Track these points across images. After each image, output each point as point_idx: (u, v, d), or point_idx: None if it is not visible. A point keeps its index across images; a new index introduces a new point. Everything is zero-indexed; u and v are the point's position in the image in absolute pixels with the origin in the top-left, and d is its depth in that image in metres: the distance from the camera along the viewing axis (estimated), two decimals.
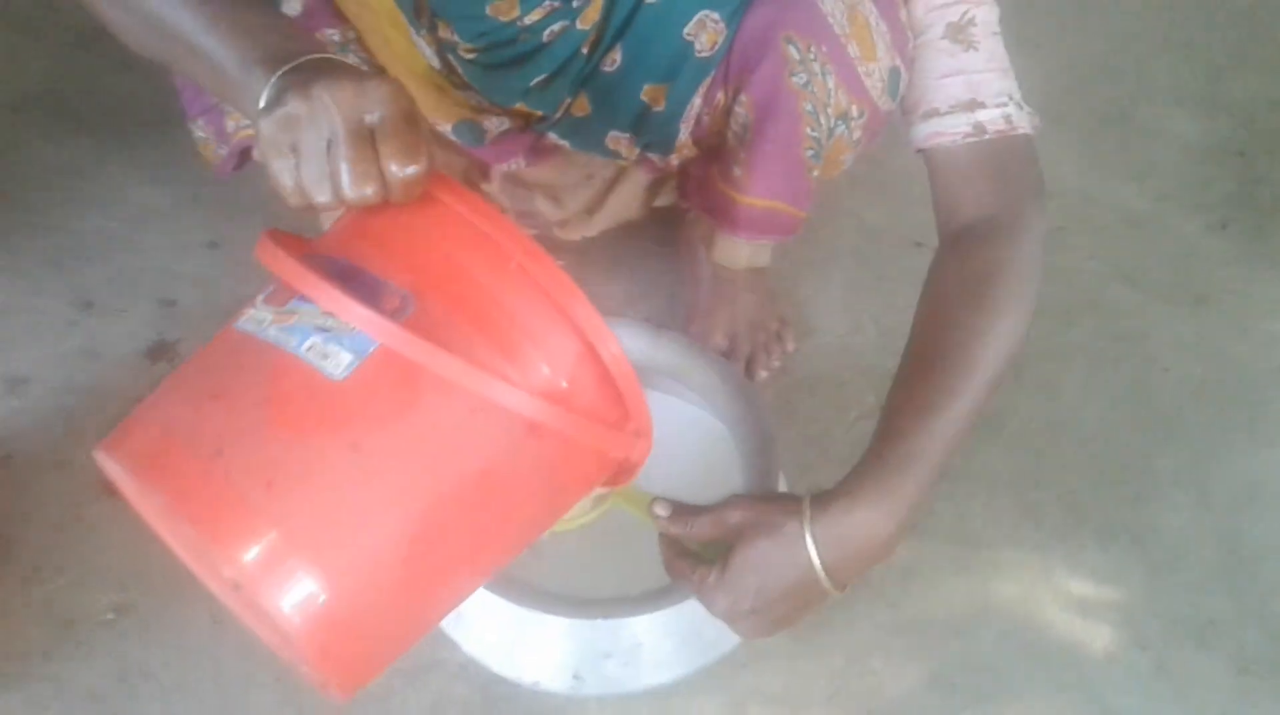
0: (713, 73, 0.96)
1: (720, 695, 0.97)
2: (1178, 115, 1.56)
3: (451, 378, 0.59)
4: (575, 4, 0.91)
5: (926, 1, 0.89)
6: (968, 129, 0.87)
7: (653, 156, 1.04)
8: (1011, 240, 0.84)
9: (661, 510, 0.85)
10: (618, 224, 1.15)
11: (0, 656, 0.97)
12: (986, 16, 0.89)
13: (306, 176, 0.60)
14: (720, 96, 0.97)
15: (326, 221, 0.96)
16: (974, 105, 0.87)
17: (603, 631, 0.89)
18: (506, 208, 1.12)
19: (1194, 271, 1.35)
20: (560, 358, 0.64)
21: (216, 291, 1.25)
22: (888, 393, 0.84)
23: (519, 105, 0.96)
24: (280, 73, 0.62)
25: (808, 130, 0.94)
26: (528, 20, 0.90)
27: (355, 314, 0.58)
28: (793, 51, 0.91)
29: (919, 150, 0.91)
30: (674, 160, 1.05)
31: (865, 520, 0.78)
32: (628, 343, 1.00)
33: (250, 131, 0.95)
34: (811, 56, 0.91)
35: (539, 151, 1.03)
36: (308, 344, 0.60)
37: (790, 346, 1.21)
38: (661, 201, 1.21)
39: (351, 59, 0.91)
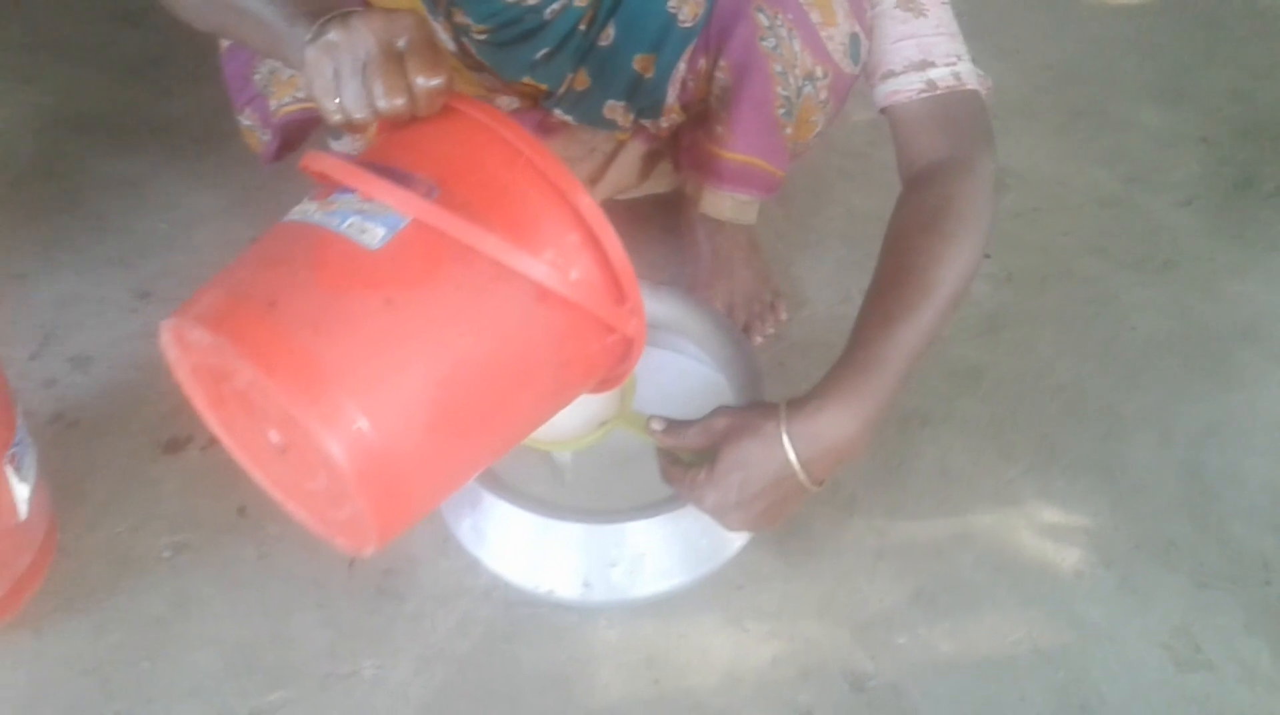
0: (695, 41, 1.08)
1: (718, 612, 1.06)
2: (1145, 108, 1.67)
3: (472, 245, 0.71)
4: None
5: None
6: (921, 85, 0.99)
7: (645, 122, 1.17)
8: (963, 177, 0.95)
9: (657, 425, 0.95)
10: (617, 193, 1.27)
11: (68, 589, 1.07)
12: None
13: (346, 94, 0.72)
14: (702, 62, 1.10)
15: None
16: (925, 65, 0.99)
17: (609, 541, 0.99)
18: None
19: (1161, 242, 1.45)
20: (564, 241, 0.75)
21: None
22: (857, 312, 0.94)
23: (526, 80, 1.09)
24: (321, 21, 0.75)
25: (778, 89, 1.06)
26: (531, 1, 1.03)
27: (389, 193, 0.70)
28: (762, 19, 1.03)
29: (881, 110, 1.03)
30: (664, 124, 1.17)
31: (835, 418, 0.88)
32: None
33: (291, 108, 1.07)
34: (779, 23, 1.03)
35: (546, 128, 1.15)
36: (347, 223, 0.72)
37: (783, 315, 1.32)
38: (661, 187, 1.33)
39: None
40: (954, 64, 0.99)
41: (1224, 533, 1.13)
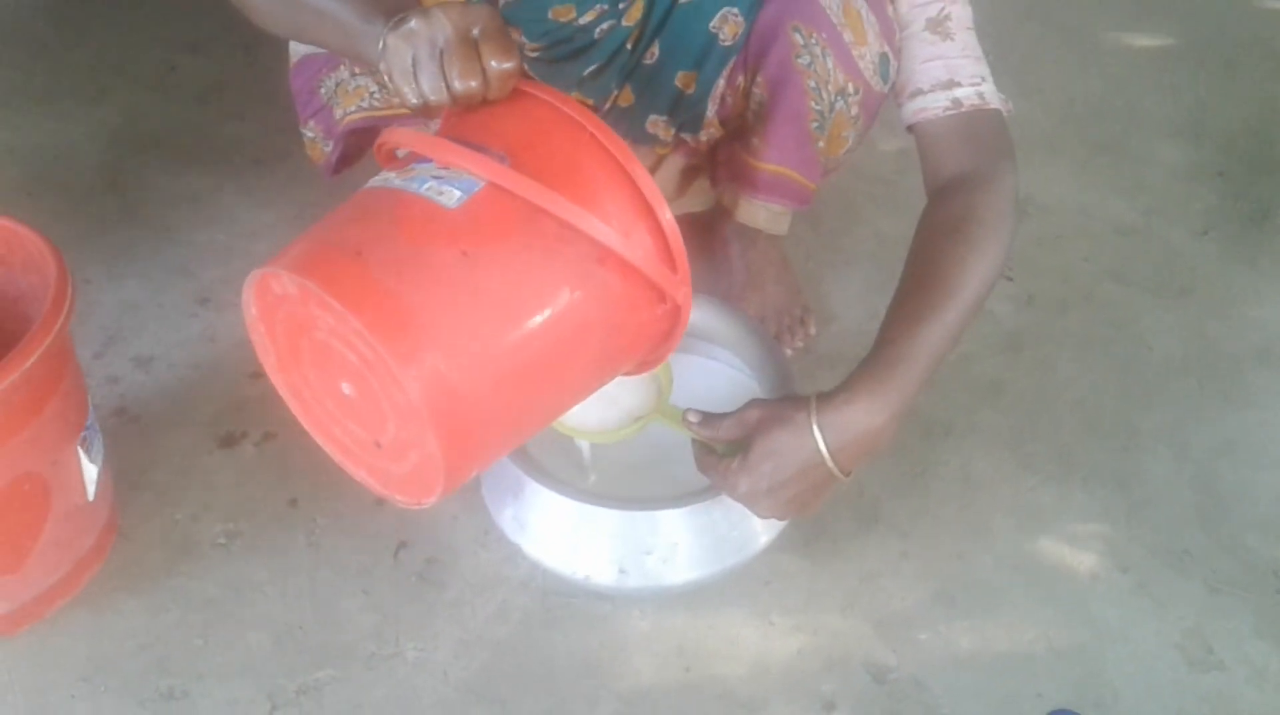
0: (734, 59, 1.15)
1: (746, 606, 1.11)
2: (1165, 144, 1.73)
3: (541, 206, 0.78)
4: (621, 6, 1.10)
5: (909, 0, 1.08)
6: (947, 103, 1.05)
7: (685, 136, 1.23)
8: (985, 189, 1.01)
9: (693, 417, 1.01)
10: None
11: (127, 571, 1.13)
12: (961, 13, 1.07)
13: (423, 78, 0.79)
14: (741, 79, 1.16)
15: None
16: (951, 84, 1.05)
17: (645, 529, 1.04)
18: None
19: (1178, 270, 1.50)
20: (623, 210, 0.82)
21: None
22: (885, 313, 1.00)
23: (574, 95, 1.16)
24: (402, 15, 0.82)
25: (812, 104, 1.13)
26: (582, 21, 1.09)
27: (465, 157, 0.77)
28: (798, 38, 1.10)
29: (908, 128, 1.09)
30: (703, 138, 1.23)
31: (862, 410, 0.93)
32: None
33: (355, 116, 1.14)
34: (813, 41, 1.10)
35: None
36: (425, 186, 0.79)
37: (812, 330, 1.37)
38: (697, 206, 1.39)
39: None
40: (978, 84, 1.05)
41: (1236, 542, 1.17)
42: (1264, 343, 1.40)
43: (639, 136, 1.23)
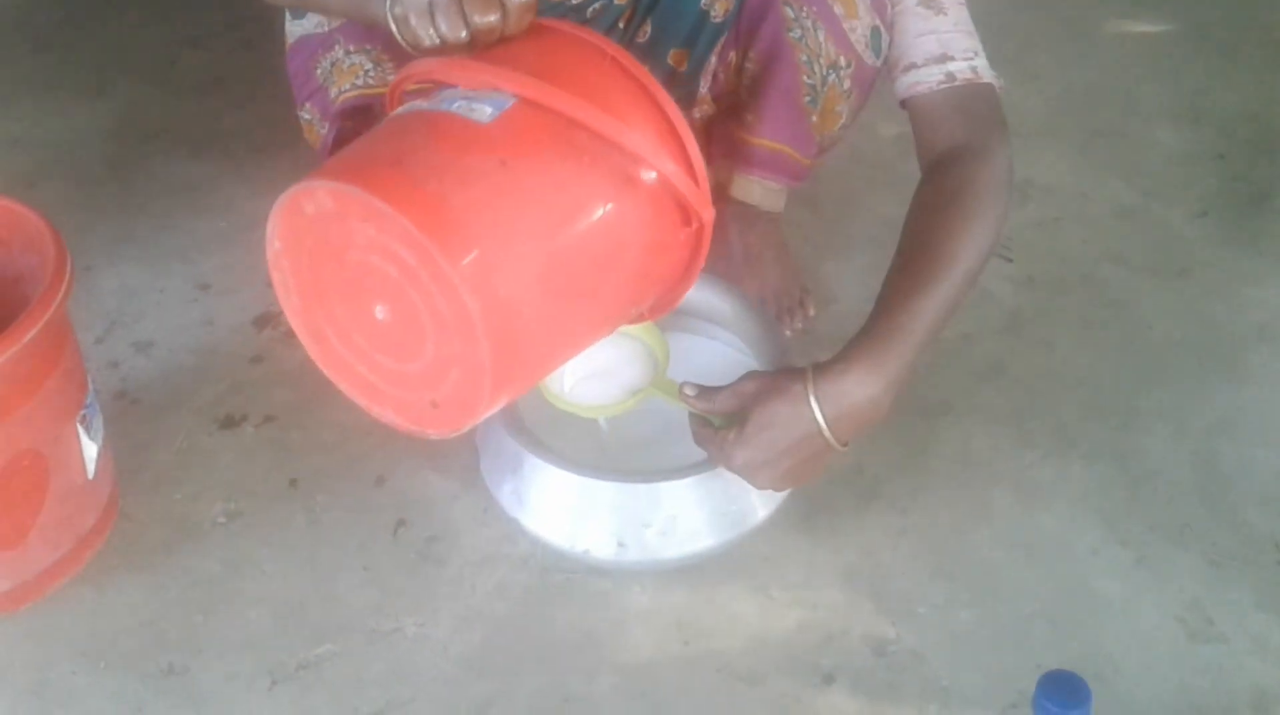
0: (725, 35, 1.16)
1: (746, 580, 1.10)
2: (1163, 128, 1.73)
3: (575, 117, 0.80)
4: None
5: None
6: (941, 77, 1.05)
7: None
8: (979, 161, 1.01)
9: (689, 390, 1.01)
10: None
11: (128, 549, 1.14)
12: None
13: (440, 16, 0.80)
14: (732, 55, 1.17)
15: None
16: (944, 58, 1.05)
17: (643, 502, 1.04)
18: None
19: (1177, 251, 1.50)
20: (651, 130, 0.85)
21: None
22: (881, 285, 1.00)
23: None
24: None
25: (804, 78, 1.13)
26: (574, 0, 1.10)
27: (497, 74, 0.79)
28: (789, 11, 1.11)
29: (902, 103, 1.09)
30: (696, 115, 1.24)
31: (858, 381, 0.94)
32: None
33: (350, 94, 1.15)
34: (804, 14, 1.10)
35: None
36: (455, 105, 0.81)
37: (811, 311, 1.37)
38: None
39: None
40: (971, 59, 1.06)
41: (1236, 517, 1.16)
42: (1263, 322, 1.40)
43: None
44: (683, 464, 1.05)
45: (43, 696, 1.01)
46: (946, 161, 1.03)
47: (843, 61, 1.12)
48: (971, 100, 1.05)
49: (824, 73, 1.13)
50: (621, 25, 1.14)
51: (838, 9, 1.10)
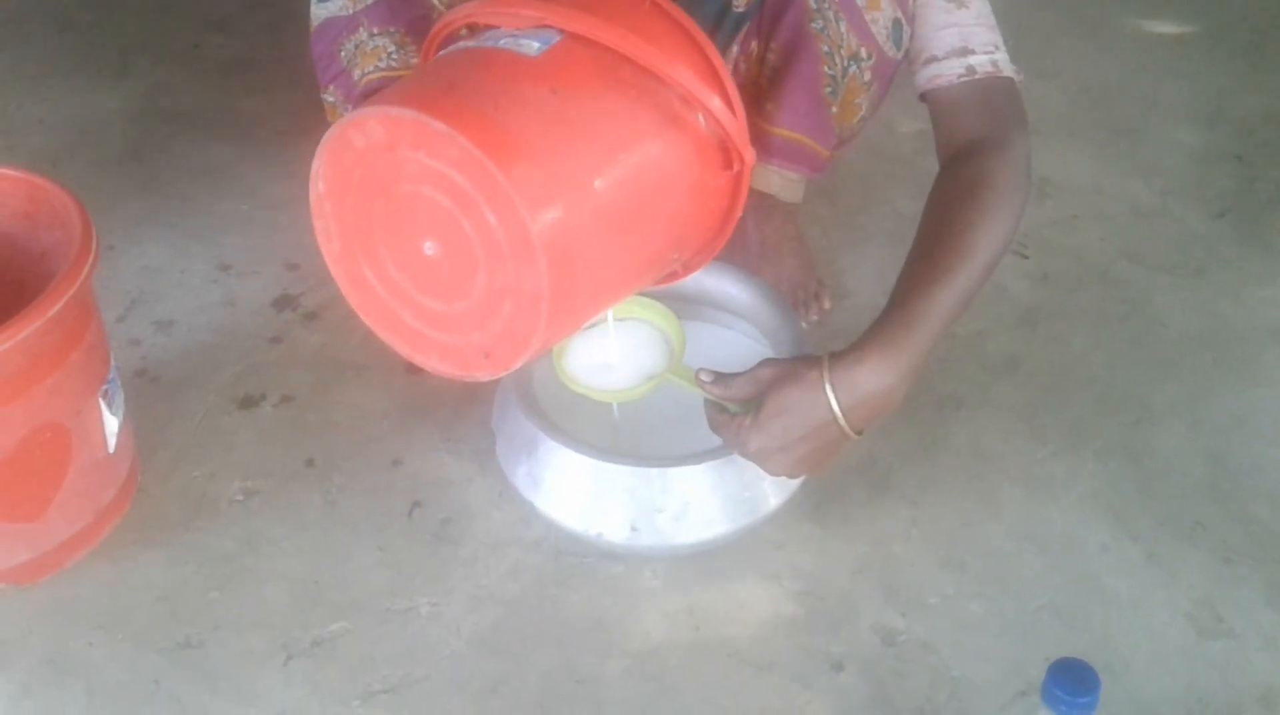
0: (747, 24, 1.16)
1: (757, 568, 1.11)
2: (1182, 128, 1.73)
3: (623, 50, 0.83)
4: None
5: None
6: (961, 70, 1.06)
7: None
8: (998, 154, 1.01)
9: (705, 376, 1.02)
10: None
11: (146, 525, 1.15)
12: None
13: None
14: (754, 45, 1.17)
15: None
16: (965, 51, 1.06)
17: (657, 486, 1.05)
18: None
19: (1193, 251, 1.50)
20: (693, 69, 0.87)
21: None
22: (898, 275, 1.01)
23: None
24: None
25: (825, 69, 1.14)
26: None
27: (543, 8, 0.80)
28: (811, 2, 1.11)
29: (922, 95, 1.10)
30: None
31: (874, 369, 0.94)
32: None
33: (373, 75, 1.15)
34: (827, 6, 1.11)
35: None
36: (501, 42, 0.83)
37: (827, 304, 1.38)
38: None
39: None
40: (992, 52, 1.06)
41: (1248, 515, 1.17)
42: (1277, 322, 1.40)
43: None
44: (697, 449, 1.05)
45: (60, 668, 1.02)
46: (966, 154, 1.03)
47: (864, 53, 1.13)
48: (992, 93, 1.05)
49: (845, 64, 1.13)
50: None
51: (860, 1, 1.11)
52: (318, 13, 1.21)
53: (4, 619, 1.06)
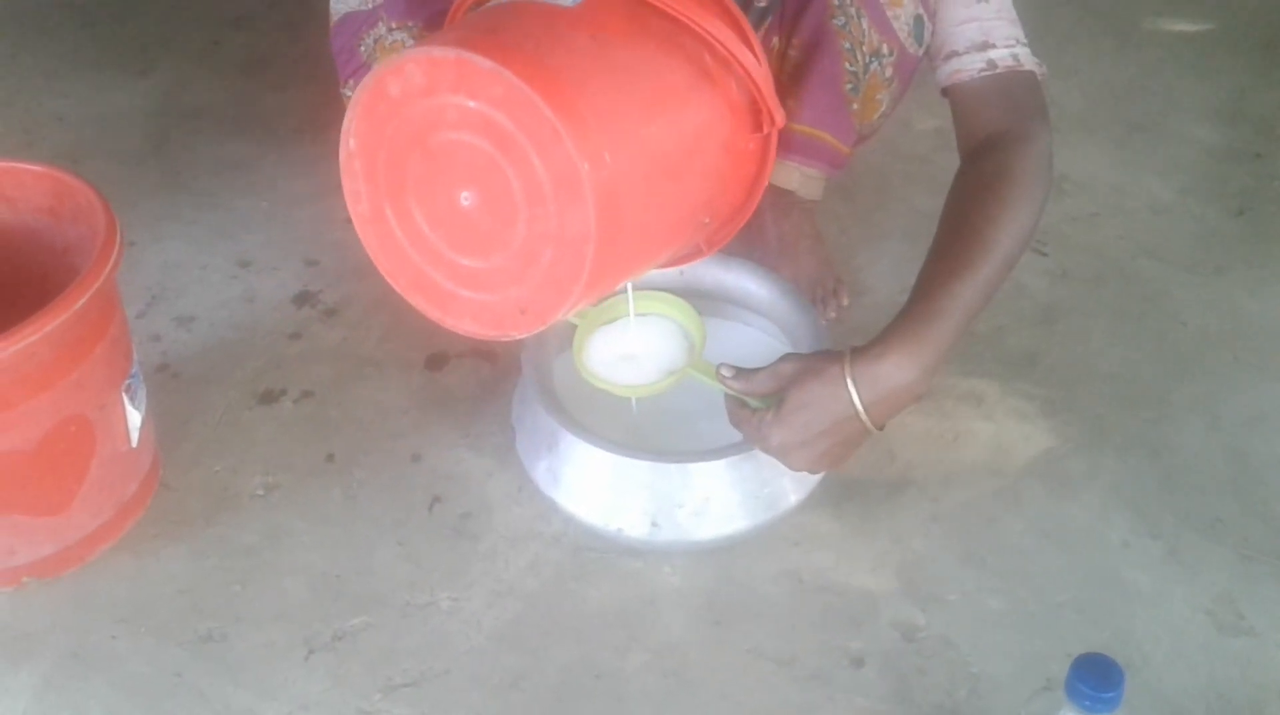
0: (769, 21, 1.16)
1: (776, 564, 1.11)
2: (1201, 125, 1.73)
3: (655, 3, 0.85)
4: None
5: None
6: (982, 65, 1.06)
7: None
8: (1019, 147, 1.01)
9: (727, 371, 1.02)
10: None
11: (168, 518, 1.16)
12: None
13: None
14: (776, 41, 1.17)
15: None
16: (986, 46, 1.06)
17: (677, 482, 1.05)
18: None
19: (1213, 248, 1.50)
20: (723, 28, 0.89)
21: (354, 255, 1.41)
22: (920, 269, 1.01)
23: None
24: None
25: (846, 65, 1.14)
26: None
27: None
28: None
29: (943, 90, 1.10)
30: None
31: (895, 364, 0.94)
32: (703, 269, 1.19)
33: None
34: (848, 2, 1.11)
35: None
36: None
37: (845, 301, 1.37)
38: None
39: None
40: (1013, 46, 1.06)
41: (1269, 511, 1.16)
42: None
43: None
44: (717, 445, 1.06)
45: (83, 660, 1.03)
46: (987, 148, 1.03)
47: (885, 50, 1.13)
48: (1013, 87, 1.05)
49: (866, 60, 1.14)
50: None
51: None
52: (337, 8, 1.22)
53: (28, 612, 1.07)
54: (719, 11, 0.91)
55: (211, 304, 1.41)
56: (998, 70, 1.05)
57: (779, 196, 1.30)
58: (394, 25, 1.16)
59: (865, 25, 1.12)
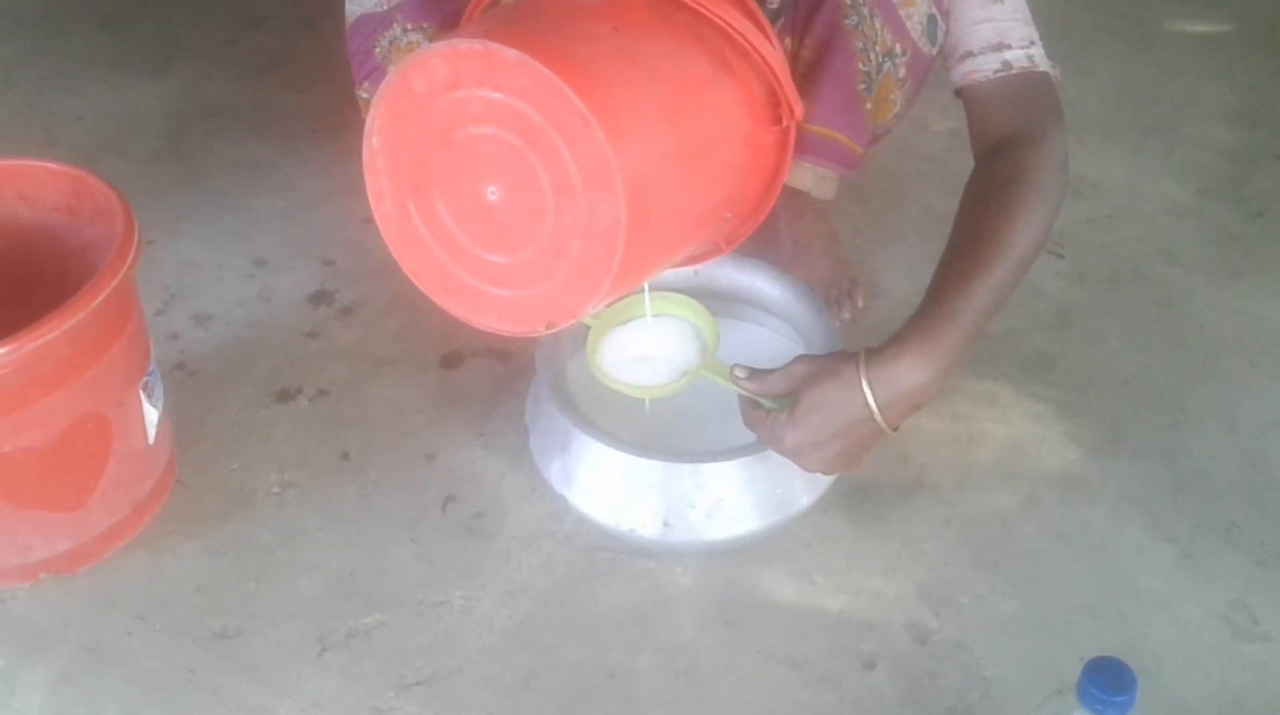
0: (782, 21, 1.16)
1: (788, 565, 1.11)
2: (1219, 127, 1.72)
3: None
4: None
5: None
6: (997, 66, 1.05)
7: None
8: (1034, 149, 1.01)
9: (740, 372, 1.02)
10: None
11: (183, 516, 1.16)
12: None
13: None
14: (788, 41, 1.17)
15: None
16: (1001, 47, 1.06)
17: (689, 482, 1.05)
18: None
19: (1230, 251, 1.49)
20: (740, 18, 0.89)
21: (369, 254, 1.46)
22: (934, 271, 1.00)
23: None
24: None
25: (859, 65, 1.13)
26: None
27: None
28: None
29: (957, 91, 1.10)
30: None
31: (910, 365, 0.94)
32: (717, 270, 1.19)
33: None
34: (861, 2, 1.11)
35: None
36: None
37: (859, 302, 1.37)
38: None
39: None
40: (1028, 47, 1.06)
41: None
42: None
43: None
44: (729, 446, 1.06)
45: (98, 656, 1.04)
46: (1001, 149, 1.03)
47: (898, 49, 1.13)
48: (1027, 88, 1.05)
49: (879, 60, 1.13)
50: None
51: None
52: (353, 9, 1.22)
53: (44, 607, 1.08)
54: (736, 4, 0.91)
55: (228, 303, 1.42)
56: (1012, 71, 1.05)
57: (793, 197, 1.30)
58: (409, 27, 1.17)
59: (878, 25, 1.12)
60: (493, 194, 0.83)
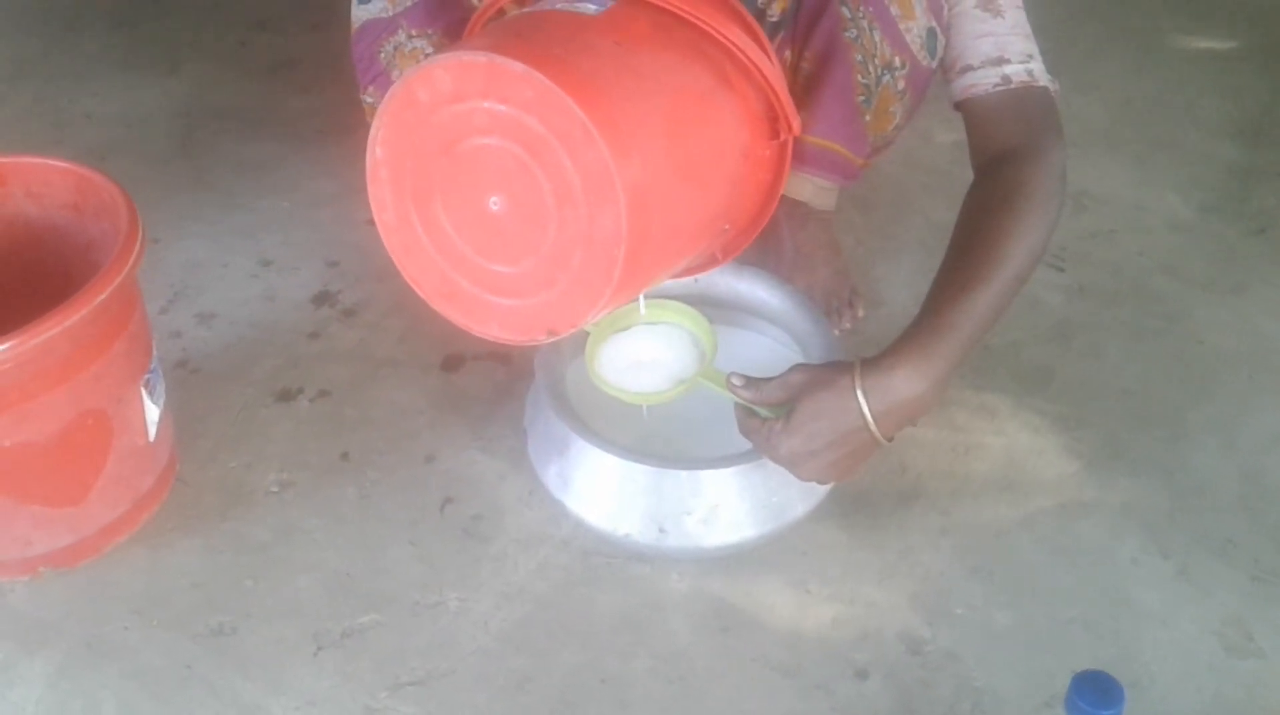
0: (782, 34, 1.17)
1: (784, 573, 1.11)
2: (1223, 143, 1.72)
3: (676, 11, 0.87)
4: None
5: None
6: (996, 80, 1.06)
7: None
8: (1033, 163, 1.01)
9: (737, 380, 1.02)
10: None
11: (183, 513, 1.17)
12: None
13: None
14: (788, 53, 1.18)
15: None
16: (1001, 61, 1.06)
17: (686, 489, 1.05)
18: None
19: (1232, 267, 1.49)
20: (740, 34, 0.91)
21: (373, 256, 1.46)
22: (931, 282, 1.01)
23: None
24: None
25: (859, 78, 1.14)
26: None
27: None
28: (845, 11, 1.12)
29: (957, 104, 1.10)
30: None
31: (906, 376, 0.94)
32: (716, 278, 1.19)
33: None
34: (860, 15, 1.11)
35: None
36: (559, 5, 0.86)
37: (860, 312, 1.38)
38: None
39: None
40: (1027, 62, 1.06)
41: None
42: None
43: None
44: (726, 453, 1.06)
45: (96, 650, 1.04)
46: (1000, 163, 1.03)
47: (898, 62, 1.13)
48: (1026, 103, 1.06)
49: (879, 73, 1.14)
50: None
51: (894, 10, 1.11)
52: (358, 14, 1.23)
53: (43, 601, 1.09)
54: (737, 20, 0.92)
55: (232, 302, 1.42)
56: (1012, 85, 1.05)
57: (794, 207, 1.31)
58: (414, 33, 1.17)
59: (877, 38, 1.12)
60: (495, 204, 0.84)
